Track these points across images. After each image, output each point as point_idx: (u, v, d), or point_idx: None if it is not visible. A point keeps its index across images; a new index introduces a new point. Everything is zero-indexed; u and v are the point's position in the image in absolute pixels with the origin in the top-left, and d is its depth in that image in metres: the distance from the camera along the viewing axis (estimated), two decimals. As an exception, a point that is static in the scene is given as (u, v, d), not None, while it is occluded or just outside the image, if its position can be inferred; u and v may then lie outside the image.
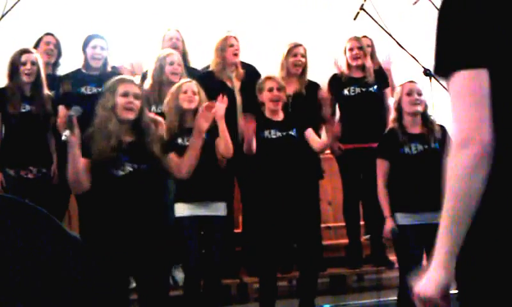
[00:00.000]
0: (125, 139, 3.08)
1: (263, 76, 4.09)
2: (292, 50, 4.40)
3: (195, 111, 3.61)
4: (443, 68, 1.35)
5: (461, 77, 1.31)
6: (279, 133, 3.80)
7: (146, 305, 3.06)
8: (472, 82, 1.30)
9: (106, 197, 3.05)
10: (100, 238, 3.01)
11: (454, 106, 1.32)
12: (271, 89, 3.86)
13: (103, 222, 3.05)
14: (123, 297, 3.02)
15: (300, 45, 4.44)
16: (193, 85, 3.67)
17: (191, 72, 4.23)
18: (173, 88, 3.69)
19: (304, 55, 4.42)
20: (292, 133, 3.83)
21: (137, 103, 3.12)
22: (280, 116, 3.89)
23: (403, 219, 3.42)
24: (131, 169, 3.04)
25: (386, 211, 3.46)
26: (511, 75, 1.32)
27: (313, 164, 4.22)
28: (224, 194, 3.67)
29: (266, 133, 3.78)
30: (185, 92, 3.62)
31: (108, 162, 3.01)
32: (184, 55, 4.51)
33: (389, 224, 3.43)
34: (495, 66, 1.31)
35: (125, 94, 3.09)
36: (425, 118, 3.54)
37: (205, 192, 3.53)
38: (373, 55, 4.89)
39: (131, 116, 3.10)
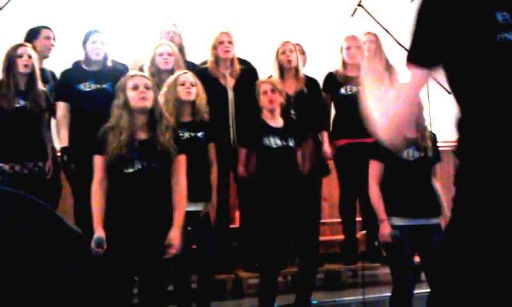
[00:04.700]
0: (138, 136, 3.09)
1: (259, 79, 4.12)
2: (281, 49, 4.40)
3: (193, 103, 3.63)
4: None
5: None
6: (279, 143, 3.80)
7: (147, 301, 3.07)
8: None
9: (115, 194, 3.07)
10: (107, 235, 3.01)
11: None
12: (265, 92, 3.88)
13: (111, 219, 3.05)
14: (126, 293, 3.02)
15: (288, 42, 4.42)
16: (190, 76, 3.68)
17: (189, 66, 4.23)
18: (170, 79, 3.68)
19: (293, 51, 4.39)
20: (291, 144, 3.83)
21: (150, 93, 3.13)
22: (279, 122, 3.89)
23: (397, 221, 3.38)
24: (140, 167, 3.05)
25: (381, 214, 3.38)
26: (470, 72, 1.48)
27: (316, 165, 4.25)
28: (206, 195, 3.68)
29: (266, 141, 3.78)
30: (183, 84, 3.63)
31: (119, 159, 3.03)
32: (181, 50, 4.51)
33: (387, 228, 3.35)
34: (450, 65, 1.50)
35: (136, 87, 3.12)
36: (418, 123, 3.47)
37: (192, 191, 3.47)
38: (380, 51, 4.80)
39: (146, 104, 3.10)
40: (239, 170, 3.95)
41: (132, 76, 3.22)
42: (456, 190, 1.50)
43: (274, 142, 3.79)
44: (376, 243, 3.57)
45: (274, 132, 3.81)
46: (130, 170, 3.03)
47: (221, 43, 4.33)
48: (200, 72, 4.22)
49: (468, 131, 1.48)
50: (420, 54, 1.54)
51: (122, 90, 3.14)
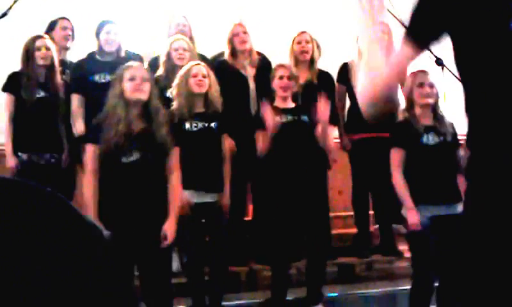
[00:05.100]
0: (135, 126, 3.08)
1: (275, 64, 4.09)
2: (297, 38, 4.38)
3: (205, 95, 3.62)
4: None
5: None
6: (290, 118, 3.77)
7: (149, 292, 3.07)
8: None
9: (112, 183, 3.06)
10: (105, 224, 3.02)
11: None
12: (281, 77, 3.85)
13: (108, 208, 3.05)
14: (128, 282, 3.02)
15: (304, 32, 4.40)
16: (203, 68, 3.66)
17: (201, 59, 4.22)
18: (182, 71, 3.67)
19: (309, 42, 4.37)
20: (304, 118, 3.79)
21: (146, 85, 3.12)
22: (291, 105, 3.87)
23: (422, 210, 3.29)
24: (138, 156, 3.04)
25: (409, 202, 3.27)
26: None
27: (322, 153, 4.20)
28: (219, 186, 3.65)
29: (277, 118, 3.71)
30: (196, 76, 3.61)
31: (117, 148, 3.01)
32: (191, 42, 4.51)
33: (416, 216, 3.25)
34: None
35: (132, 78, 3.10)
36: (435, 111, 3.45)
37: (206, 182, 3.53)
38: (391, 42, 4.73)
39: (142, 96, 3.08)
40: (258, 149, 3.77)
41: (129, 66, 3.19)
42: (468, 183, 1.47)
43: (286, 117, 3.75)
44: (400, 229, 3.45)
45: (287, 111, 3.78)
46: (129, 159, 3.03)
47: (236, 35, 4.33)
48: (219, 65, 4.22)
49: (478, 119, 1.43)
50: (419, 31, 1.50)
51: (119, 80, 3.12)
